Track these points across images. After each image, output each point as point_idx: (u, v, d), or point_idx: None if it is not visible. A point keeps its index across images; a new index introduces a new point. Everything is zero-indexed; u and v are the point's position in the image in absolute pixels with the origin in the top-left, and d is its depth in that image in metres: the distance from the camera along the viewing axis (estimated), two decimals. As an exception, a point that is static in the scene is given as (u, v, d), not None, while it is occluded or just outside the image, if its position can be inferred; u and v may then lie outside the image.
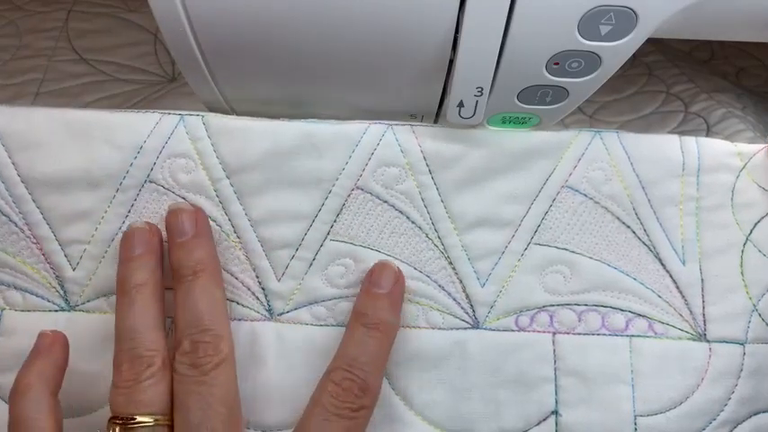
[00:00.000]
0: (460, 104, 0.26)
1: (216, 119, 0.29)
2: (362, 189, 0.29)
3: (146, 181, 0.29)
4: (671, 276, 0.30)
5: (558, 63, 0.24)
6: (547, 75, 0.25)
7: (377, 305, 0.27)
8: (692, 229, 0.30)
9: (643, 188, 0.30)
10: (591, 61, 0.24)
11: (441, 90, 0.27)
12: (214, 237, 0.29)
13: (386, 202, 0.29)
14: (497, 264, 0.30)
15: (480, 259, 0.30)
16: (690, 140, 0.30)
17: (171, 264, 0.27)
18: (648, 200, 0.30)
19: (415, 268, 0.30)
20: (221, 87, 0.28)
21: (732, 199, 0.30)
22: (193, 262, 0.26)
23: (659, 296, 0.30)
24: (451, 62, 0.25)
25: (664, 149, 0.30)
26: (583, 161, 0.30)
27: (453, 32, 0.24)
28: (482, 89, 0.25)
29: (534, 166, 0.30)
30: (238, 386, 0.26)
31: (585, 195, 0.30)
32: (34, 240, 0.29)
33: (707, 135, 0.40)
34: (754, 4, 0.24)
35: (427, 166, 0.29)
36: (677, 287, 0.30)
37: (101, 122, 0.28)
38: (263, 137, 0.29)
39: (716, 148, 0.30)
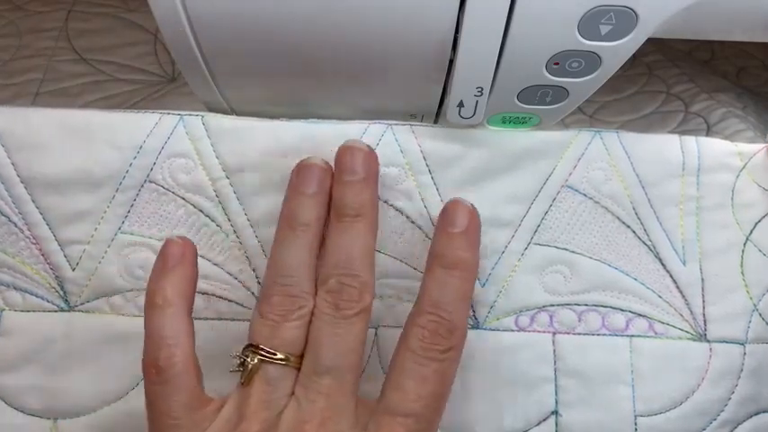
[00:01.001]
0: (460, 104, 0.26)
1: (215, 119, 0.29)
2: None
3: (145, 181, 0.29)
4: (671, 276, 0.30)
5: (558, 63, 0.24)
6: (547, 75, 0.25)
7: (453, 244, 0.26)
8: (693, 229, 0.30)
9: (643, 188, 0.30)
10: (591, 61, 0.24)
11: (441, 90, 0.27)
12: (212, 237, 0.29)
13: (386, 202, 0.29)
14: (497, 264, 0.30)
15: (480, 259, 0.30)
16: (690, 140, 0.30)
17: (333, 199, 0.27)
18: (648, 200, 0.30)
19: (415, 268, 0.30)
20: (221, 88, 0.28)
21: (732, 199, 0.30)
22: (358, 204, 0.26)
23: (659, 296, 0.30)
24: (451, 62, 0.25)
25: (664, 149, 0.30)
26: (583, 161, 0.30)
27: (453, 32, 0.24)
28: (482, 89, 0.25)
29: (534, 165, 0.30)
30: None
31: (585, 195, 0.30)
32: (34, 241, 0.29)
33: (707, 135, 0.40)
34: (754, 4, 0.24)
35: (427, 166, 0.29)
36: (677, 287, 0.30)
37: (100, 123, 0.28)
38: (262, 137, 0.29)
39: (716, 147, 0.30)
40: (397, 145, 0.29)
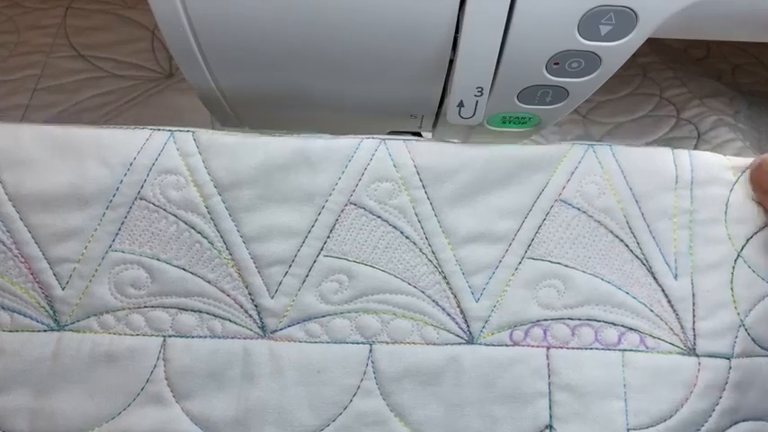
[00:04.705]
0: (460, 104, 0.26)
1: (206, 134, 0.28)
2: (356, 204, 0.29)
3: (136, 198, 0.28)
4: (663, 291, 0.30)
5: (558, 63, 0.24)
6: (547, 75, 0.25)
7: None
8: (686, 243, 0.30)
9: (636, 201, 0.30)
10: (591, 61, 0.24)
11: (441, 90, 0.27)
12: (205, 254, 0.29)
13: (379, 217, 0.29)
14: (491, 278, 0.30)
15: (474, 274, 0.30)
16: (683, 153, 0.30)
17: None
18: (642, 213, 0.30)
19: (409, 283, 0.29)
20: (218, 81, 0.27)
21: (726, 213, 0.30)
22: None
23: (651, 310, 0.30)
24: (451, 62, 0.25)
25: (656, 162, 0.30)
26: (576, 175, 0.30)
27: (453, 32, 0.23)
28: (482, 89, 0.25)
29: (527, 180, 0.30)
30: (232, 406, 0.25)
31: (579, 209, 0.30)
32: (22, 259, 0.28)
33: (697, 142, 0.41)
34: (753, 5, 0.24)
35: (420, 180, 0.29)
36: (669, 302, 0.30)
37: (90, 139, 0.28)
38: (254, 152, 0.28)
39: (709, 161, 0.30)
40: (390, 160, 0.29)
